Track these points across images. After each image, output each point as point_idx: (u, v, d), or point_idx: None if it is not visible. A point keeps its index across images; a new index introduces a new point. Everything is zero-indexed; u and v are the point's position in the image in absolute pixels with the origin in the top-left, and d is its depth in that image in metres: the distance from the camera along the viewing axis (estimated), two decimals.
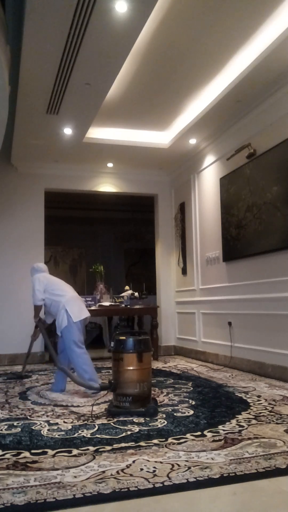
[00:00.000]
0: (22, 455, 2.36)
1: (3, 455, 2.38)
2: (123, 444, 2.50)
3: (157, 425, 2.87)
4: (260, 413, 3.12)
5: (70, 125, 5.36)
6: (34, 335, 4.64)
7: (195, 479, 1.98)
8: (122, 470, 2.11)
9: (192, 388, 4.11)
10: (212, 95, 4.92)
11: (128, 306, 6.48)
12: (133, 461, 2.22)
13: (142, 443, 2.51)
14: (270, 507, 1.76)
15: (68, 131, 5.53)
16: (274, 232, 4.54)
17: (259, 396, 3.67)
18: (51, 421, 3.06)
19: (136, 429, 2.80)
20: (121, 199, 8.93)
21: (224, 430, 2.72)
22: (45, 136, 5.69)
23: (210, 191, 6.07)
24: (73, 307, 4.04)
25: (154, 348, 5.28)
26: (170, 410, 3.28)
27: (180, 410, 3.28)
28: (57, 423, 3.00)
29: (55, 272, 11.28)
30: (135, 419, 3.03)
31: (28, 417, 3.19)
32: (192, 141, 6.03)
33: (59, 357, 4.13)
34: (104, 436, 2.68)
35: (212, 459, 2.23)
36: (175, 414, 3.16)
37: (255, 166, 4.91)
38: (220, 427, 2.80)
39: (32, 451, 2.43)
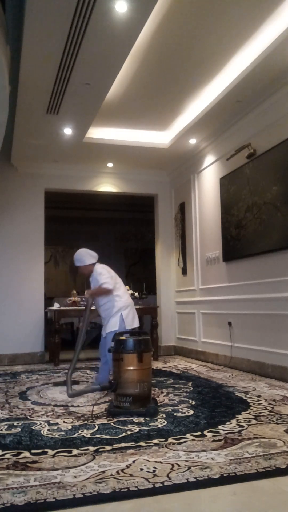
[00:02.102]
0: (22, 455, 2.36)
1: (3, 455, 2.38)
2: (123, 444, 2.50)
3: (157, 425, 2.87)
4: (260, 413, 3.12)
5: (70, 125, 5.37)
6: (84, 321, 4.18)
7: (195, 479, 1.98)
8: (122, 470, 2.11)
9: (192, 388, 4.11)
10: (212, 95, 4.92)
11: None
12: (133, 461, 2.22)
13: (142, 443, 2.51)
14: (270, 507, 1.76)
15: (68, 131, 5.53)
16: (274, 232, 4.54)
17: (259, 396, 3.67)
18: (51, 421, 3.06)
19: (136, 429, 2.80)
20: (121, 199, 8.93)
21: (224, 430, 2.72)
22: (45, 136, 5.69)
23: (210, 191, 6.07)
24: (129, 313, 3.95)
25: (154, 348, 5.27)
26: (170, 410, 3.28)
27: (180, 410, 3.28)
28: (57, 423, 3.00)
29: (55, 272, 11.34)
30: (135, 419, 3.03)
31: (28, 417, 3.19)
32: (192, 141, 6.03)
33: (101, 361, 4.03)
34: (104, 436, 2.67)
35: (212, 459, 2.23)
36: (175, 414, 3.16)
37: (255, 166, 4.91)
38: (220, 427, 2.80)
39: (32, 451, 2.43)
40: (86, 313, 4.04)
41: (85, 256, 4.11)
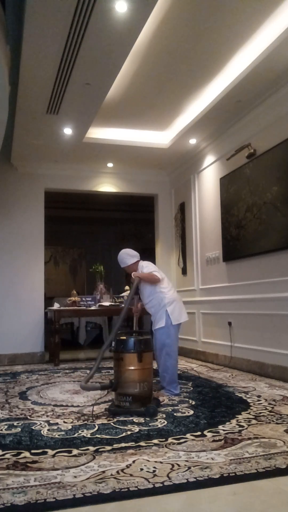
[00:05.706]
0: (22, 455, 2.36)
1: (3, 455, 2.38)
2: (123, 444, 2.50)
3: (157, 425, 2.87)
4: (260, 413, 3.12)
5: (70, 125, 5.37)
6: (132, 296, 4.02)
7: (195, 479, 1.98)
8: (122, 470, 2.11)
9: (192, 388, 4.11)
10: (212, 95, 4.92)
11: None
12: (133, 461, 2.22)
13: (142, 443, 2.51)
14: (270, 507, 1.76)
15: (68, 131, 5.53)
16: (274, 232, 4.54)
17: (259, 396, 3.67)
18: (51, 421, 3.06)
19: (136, 429, 2.80)
20: (121, 199, 8.93)
21: (224, 430, 2.72)
22: (45, 136, 5.69)
23: (210, 191, 6.07)
24: (174, 308, 3.86)
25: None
26: (170, 410, 3.28)
27: (180, 410, 3.28)
28: (57, 423, 3.00)
29: (55, 272, 11.34)
30: (135, 419, 3.03)
31: (28, 417, 3.19)
32: (192, 141, 6.03)
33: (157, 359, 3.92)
34: (104, 436, 2.67)
35: (212, 459, 2.23)
36: (175, 414, 3.16)
37: (255, 166, 4.91)
38: (220, 427, 2.80)
39: (32, 451, 2.43)
40: (132, 293, 3.94)
41: (125, 257, 4.14)
